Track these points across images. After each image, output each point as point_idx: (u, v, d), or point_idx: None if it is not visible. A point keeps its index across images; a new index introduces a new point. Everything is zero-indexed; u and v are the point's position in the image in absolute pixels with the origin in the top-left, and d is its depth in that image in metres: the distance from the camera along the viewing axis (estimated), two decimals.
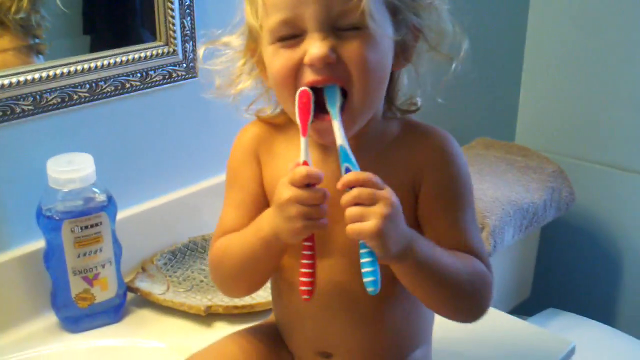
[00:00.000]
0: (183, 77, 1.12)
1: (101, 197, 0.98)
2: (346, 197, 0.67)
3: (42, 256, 0.99)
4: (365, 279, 0.66)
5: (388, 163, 0.76)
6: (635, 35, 1.69)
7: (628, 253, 1.83)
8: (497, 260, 1.49)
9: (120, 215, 1.04)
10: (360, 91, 0.70)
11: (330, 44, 0.68)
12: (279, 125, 0.81)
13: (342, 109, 0.70)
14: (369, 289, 0.65)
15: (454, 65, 0.77)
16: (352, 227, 0.66)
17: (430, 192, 0.76)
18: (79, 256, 0.97)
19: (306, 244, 0.71)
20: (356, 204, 0.66)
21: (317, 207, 0.68)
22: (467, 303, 0.76)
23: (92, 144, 1.03)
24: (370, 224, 0.65)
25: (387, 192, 0.67)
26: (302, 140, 0.70)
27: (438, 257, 0.73)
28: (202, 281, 1.12)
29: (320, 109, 0.70)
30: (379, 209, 0.65)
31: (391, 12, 0.71)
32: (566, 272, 1.94)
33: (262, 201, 0.82)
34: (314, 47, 0.68)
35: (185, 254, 1.16)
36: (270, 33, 0.71)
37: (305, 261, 0.70)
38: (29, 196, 0.98)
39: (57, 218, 0.95)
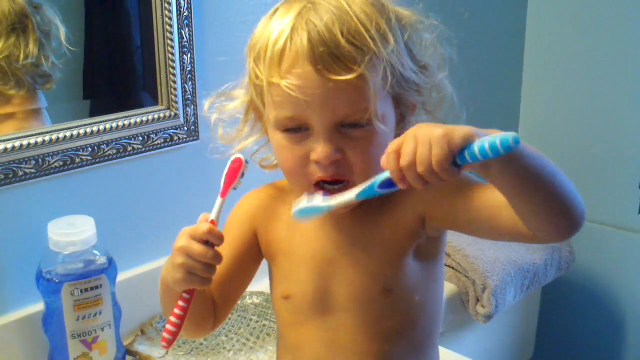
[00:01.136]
0: (184, 140, 1.14)
1: (102, 260, 0.98)
2: (406, 172, 0.61)
3: (41, 319, 0.99)
4: (499, 145, 0.57)
5: (388, 210, 0.77)
6: (633, 95, 1.72)
7: (630, 312, 1.82)
8: (500, 320, 1.48)
9: (120, 277, 1.04)
10: (361, 180, 0.70)
11: (335, 145, 0.70)
12: (284, 189, 0.83)
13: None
14: (510, 141, 0.56)
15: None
16: (437, 161, 0.58)
17: (437, 202, 0.74)
18: (78, 319, 0.96)
19: (185, 295, 0.72)
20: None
21: (203, 264, 0.69)
22: (572, 196, 0.68)
23: (93, 207, 1.04)
24: (435, 139, 0.58)
25: (405, 134, 0.61)
26: (219, 200, 0.73)
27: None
28: (202, 344, 1.11)
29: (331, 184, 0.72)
30: (420, 134, 0.60)
31: (395, 101, 0.73)
32: (569, 332, 1.92)
33: (239, 262, 0.82)
34: (321, 146, 0.70)
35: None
36: (277, 122, 0.72)
37: (176, 311, 0.72)
38: (29, 259, 0.98)
39: (57, 281, 0.95)
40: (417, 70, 0.73)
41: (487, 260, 1.39)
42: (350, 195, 0.68)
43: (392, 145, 0.62)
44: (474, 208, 0.72)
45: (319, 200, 0.70)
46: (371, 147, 0.71)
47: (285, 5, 0.72)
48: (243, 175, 0.73)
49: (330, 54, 0.67)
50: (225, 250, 0.80)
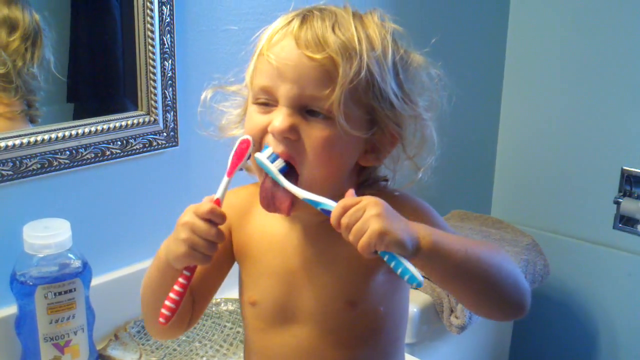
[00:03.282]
0: (163, 145, 1.14)
1: (76, 263, 0.98)
2: (342, 229, 0.68)
3: (13, 322, 0.98)
4: (406, 280, 0.65)
5: None
6: (608, 111, 1.75)
7: (603, 326, 1.84)
8: (474, 332, 1.49)
9: (95, 281, 1.04)
10: (308, 170, 0.73)
11: (292, 121, 0.72)
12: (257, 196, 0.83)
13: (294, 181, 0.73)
14: (413, 285, 0.65)
15: (419, 175, 0.80)
16: (361, 245, 0.66)
17: None
18: (51, 322, 0.96)
19: (185, 272, 0.73)
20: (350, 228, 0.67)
21: (206, 241, 0.71)
22: (509, 284, 0.75)
23: (70, 210, 1.04)
24: (371, 229, 0.66)
25: (367, 199, 0.68)
26: (225, 179, 0.74)
27: (458, 239, 0.72)
28: (175, 350, 1.11)
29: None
30: (368, 214, 0.66)
31: (366, 111, 0.74)
32: (542, 344, 1.94)
33: (216, 258, 0.81)
34: (277, 119, 0.72)
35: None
36: (253, 95, 0.75)
37: (176, 287, 0.73)
38: (3, 261, 0.98)
39: (30, 283, 0.95)
40: (398, 94, 0.74)
41: None
42: (299, 192, 0.71)
43: (346, 201, 0.68)
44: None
45: (275, 168, 0.72)
46: (327, 140, 0.72)
47: (308, 6, 0.77)
48: (250, 156, 0.75)
49: (314, 35, 0.71)
50: None
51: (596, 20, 1.73)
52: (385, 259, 0.67)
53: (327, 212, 0.69)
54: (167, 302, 0.73)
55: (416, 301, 1.36)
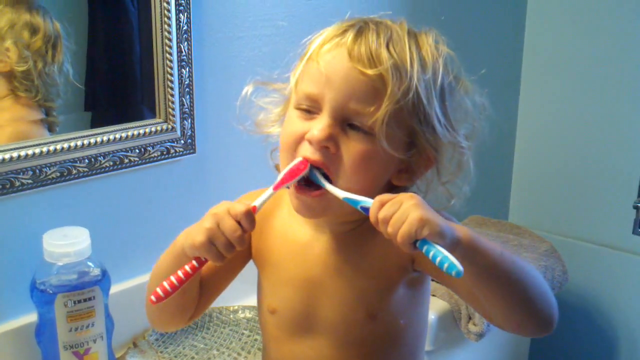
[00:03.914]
0: (181, 153, 1.15)
1: (95, 272, 0.98)
2: (380, 223, 0.67)
3: (33, 330, 0.99)
4: (445, 268, 0.63)
5: (379, 243, 0.76)
6: (625, 116, 1.73)
7: (623, 331, 1.82)
8: (492, 339, 1.48)
9: (114, 289, 1.04)
10: (345, 185, 0.72)
11: (333, 132, 0.71)
12: (280, 201, 0.83)
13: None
14: (453, 273, 0.63)
15: (452, 202, 0.79)
16: (401, 233, 0.65)
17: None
18: (70, 330, 0.96)
19: (194, 262, 0.72)
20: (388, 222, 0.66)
21: (227, 240, 0.70)
22: (540, 294, 0.74)
23: (88, 218, 1.04)
24: (411, 217, 0.65)
25: (402, 194, 0.67)
26: (269, 191, 0.74)
27: (492, 242, 0.72)
28: (193, 358, 1.11)
29: (307, 185, 0.73)
30: (407, 204, 0.66)
31: (407, 133, 0.73)
32: (561, 352, 1.92)
33: (235, 263, 0.83)
34: (317, 128, 0.71)
35: (177, 330, 1.15)
36: (296, 99, 0.75)
37: (179, 273, 0.71)
38: (23, 269, 0.99)
39: (50, 292, 0.95)
40: (442, 120, 0.74)
41: None
42: (339, 193, 0.71)
43: (383, 197, 0.67)
44: (459, 286, 0.76)
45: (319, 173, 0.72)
46: (365, 156, 0.72)
47: (365, 17, 0.77)
48: (301, 179, 0.73)
49: (367, 50, 0.71)
50: None
51: (613, 25, 1.71)
52: (424, 250, 0.65)
53: (366, 210, 0.69)
54: (164, 283, 0.71)
55: (434, 308, 1.35)
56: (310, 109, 0.73)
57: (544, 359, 1.90)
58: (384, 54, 0.70)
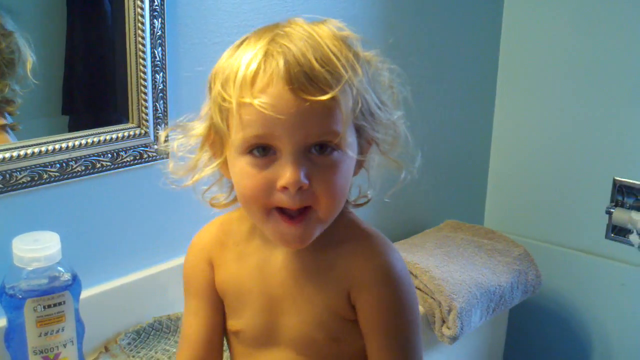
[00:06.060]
0: (154, 158, 1.15)
1: (66, 276, 0.98)
2: None
3: (2, 335, 0.98)
4: None
5: (329, 267, 0.78)
6: (599, 120, 1.76)
7: (596, 335, 1.84)
8: (466, 342, 1.49)
9: (85, 293, 1.04)
10: (325, 211, 0.72)
11: (303, 169, 0.69)
12: (232, 231, 0.83)
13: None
14: None
15: (403, 174, 0.79)
16: None
17: (365, 311, 0.77)
18: (40, 335, 0.96)
19: None
20: None
21: None
22: None
23: (59, 223, 1.04)
24: None
25: None
26: None
27: None
28: None
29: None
30: None
31: (357, 132, 0.74)
32: (535, 355, 1.94)
33: (219, 306, 0.84)
34: (288, 172, 0.69)
35: (149, 334, 1.16)
36: (242, 143, 0.71)
37: None
38: None
39: (20, 296, 0.95)
40: (380, 106, 0.74)
41: (453, 282, 1.41)
42: None
43: None
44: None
45: None
46: (337, 176, 0.71)
47: (253, 35, 0.73)
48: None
49: (305, 75, 0.67)
50: (201, 302, 0.84)
51: (587, 30, 1.74)
52: None
53: None
54: None
55: None
56: (265, 148, 0.70)
57: None
58: (322, 72, 0.67)
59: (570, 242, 1.85)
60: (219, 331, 0.85)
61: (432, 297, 1.40)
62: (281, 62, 0.68)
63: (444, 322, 1.38)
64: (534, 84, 1.85)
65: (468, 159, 1.92)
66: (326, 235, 0.77)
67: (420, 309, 1.40)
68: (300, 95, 0.67)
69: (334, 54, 0.69)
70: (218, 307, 0.84)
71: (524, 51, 1.86)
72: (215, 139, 0.77)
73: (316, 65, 0.67)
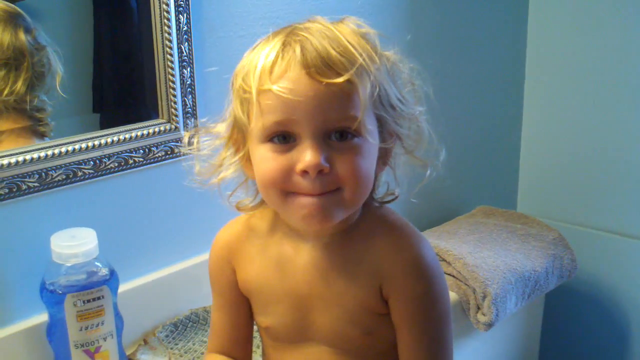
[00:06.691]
0: (185, 153, 1.16)
1: (103, 271, 1.00)
2: None
3: (45, 330, 1.01)
4: None
5: (358, 262, 0.77)
6: (635, 101, 1.73)
7: (634, 319, 1.82)
8: (502, 329, 1.49)
9: (122, 287, 1.06)
10: (351, 194, 0.71)
11: (323, 153, 0.69)
12: (255, 227, 0.84)
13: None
14: None
15: (428, 172, 0.79)
16: None
17: (398, 305, 0.77)
18: (81, 329, 0.98)
19: None
20: None
21: None
22: None
23: (95, 219, 1.06)
24: None
25: None
26: None
27: None
28: (202, 353, 1.13)
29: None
30: None
31: (378, 121, 0.74)
32: (573, 340, 1.92)
33: (243, 304, 0.85)
34: (308, 155, 0.69)
35: (187, 326, 1.17)
36: (262, 132, 0.71)
37: None
38: (33, 270, 1.01)
39: (60, 292, 0.97)
40: (401, 99, 0.75)
41: (487, 269, 1.40)
42: None
43: None
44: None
45: None
46: (360, 158, 0.70)
47: (272, 34, 0.74)
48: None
49: (322, 60, 0.68)
50: (224, 301, 0.85)
51: (623, 12, 1.70)
52: None
53: None
54: None
55: None
56: (285, 135, 0.70)
57: (556, 348, 1.90)
58: (339, 58, 0.68)
59: (605, 224, 1.82)
60: (244, 326, 0.87)
61: (466, 284, 1.39)
62: (298, 49, 0.69)
63: (479, 308, 1.37)
64: (564, 64, 1.83)
65: (499, 144, 1.90)
66: (353, 230, 0.77)
67: (454, 295, 1.39)
68: (317, 78, 0.68)
69: (351, 44, 0.70)
70: (241, 305, 0.85)
71: (553, 29, 1.83)
72: (238, 137, 0.77)
73: (333, 52, 0.68)
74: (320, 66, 0.68)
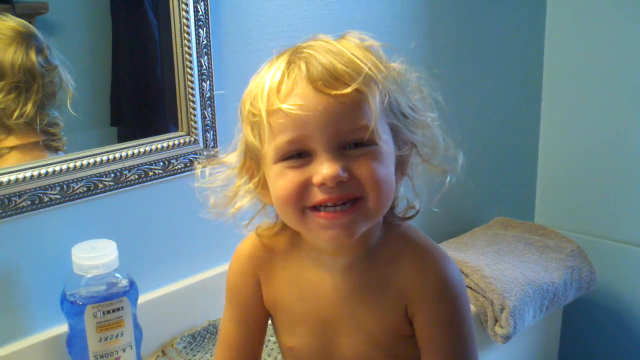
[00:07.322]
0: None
1: (123, 282, 1.01)
2: None
3: (65, 340, 1.02)
4: None
5: (384, 286, 0.77)
6: None
7: None
8: (520, 341, 1.48)
9: (141, 299, 1.07)
10: (375, 200, 0.70)
11: (340, 164, 0.68)
12: (276, 249, 0.83)
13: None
14: None
15: (448, 178, 0.78)
16: None
17: (423, 327, 0.77)
18: (100, 340, 0.99)
19: None
20: None
21: None
22: None
23: (115, 230, 1.07)
24: None
25: None
26: None
27: None
28: None
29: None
30: None
31: (392, 130, 0.74)
32: (592, 353, 1.90)
33: (263, 320, 0.85)
34: (325, 167, 0.68)
35: (204, 337, 1.18)
36: (276, 152, 0.71)
37: None
38: (54, 281, 1.02)
39: (80, 303, 0.98)
40: (412, 107, 0.75)
41: (505, 281, 1.40)
42: None
43: None
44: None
45: None
46: (378, 163, 0.70)
47: (275, 56, 0.74)
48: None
49: (328, 73, 0.68)
50: (245, 314, 0.85)
51: (638, 20, 1.70)
52: None
53: None
54: None
55: None
56: (300, 153, 0.70)
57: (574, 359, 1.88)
58: (345, 69, 0.68)
59: (625, 236, 1.81)
60: (259, 342, 0.86)
61: (484, 296, 1.38)
62: (303, 66, 0.69)
63: (496, 321, 1.37)
64: (582, 76, 1.82)
65: (517, 155, 1.89)
66: (376, 250, 0.77)
67: (472, 308, 1.39)
68: (325, 91, 0.68)
69: (356, 56, 0.70)
70: (260, 320, 0.85)
71: (571, 40, 1.82)
72: (251, 164, 0.77)
73: (338, 64, 0.68)
74: (327, 79, 0.68)
